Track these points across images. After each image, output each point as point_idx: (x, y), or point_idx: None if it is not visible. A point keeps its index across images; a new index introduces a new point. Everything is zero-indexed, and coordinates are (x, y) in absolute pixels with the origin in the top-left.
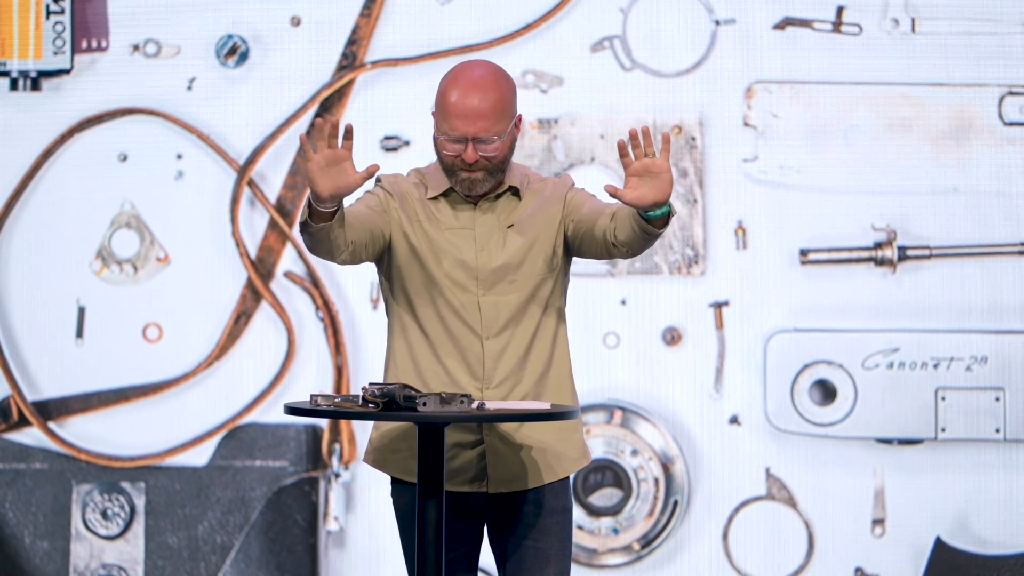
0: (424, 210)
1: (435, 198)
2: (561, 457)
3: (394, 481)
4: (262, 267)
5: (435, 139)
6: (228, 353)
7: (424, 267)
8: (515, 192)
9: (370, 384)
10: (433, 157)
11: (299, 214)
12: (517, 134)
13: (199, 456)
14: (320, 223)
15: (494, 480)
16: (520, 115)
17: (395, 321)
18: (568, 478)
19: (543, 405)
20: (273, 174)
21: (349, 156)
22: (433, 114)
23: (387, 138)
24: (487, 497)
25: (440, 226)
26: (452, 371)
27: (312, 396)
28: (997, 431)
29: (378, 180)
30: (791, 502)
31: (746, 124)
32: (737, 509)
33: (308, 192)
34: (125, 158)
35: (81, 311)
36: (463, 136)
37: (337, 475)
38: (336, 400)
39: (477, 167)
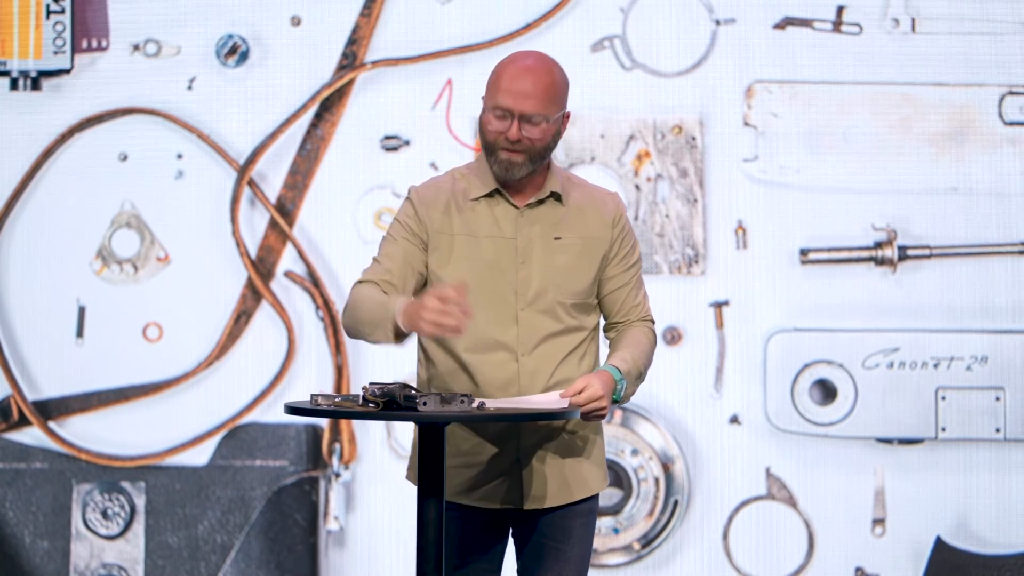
0: (461, 217)
1: (477, 199)
2: (592, 475)
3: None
4: (262, 267)
5: (480, 119)
6: (228, 353)
7: (458, 279)
8: (557, 198)
9: (370, 384)
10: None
11: (369, 327)
12: (563, 129)
13: (199, 456)
14: (395, 341)
15: (528, 497)
16: (568, 112)
17: None
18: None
19: (547, 404)
20: (273, 174)
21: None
22: (483, 98)
23: (387, 138)
24: (513, 512)
25: (479, 233)
26: (483, 385)
27: (312, 396)
28: (997, 431)
29: (410, 192)
30: (791, 502)
31: (746, 124)
32: (737, 509)
33: (400, 318)
34: (125, 158)
35: (81, 311)
36: (510, 111)
37: (337, 475)
38: (336, 400)
39: (519, 147)
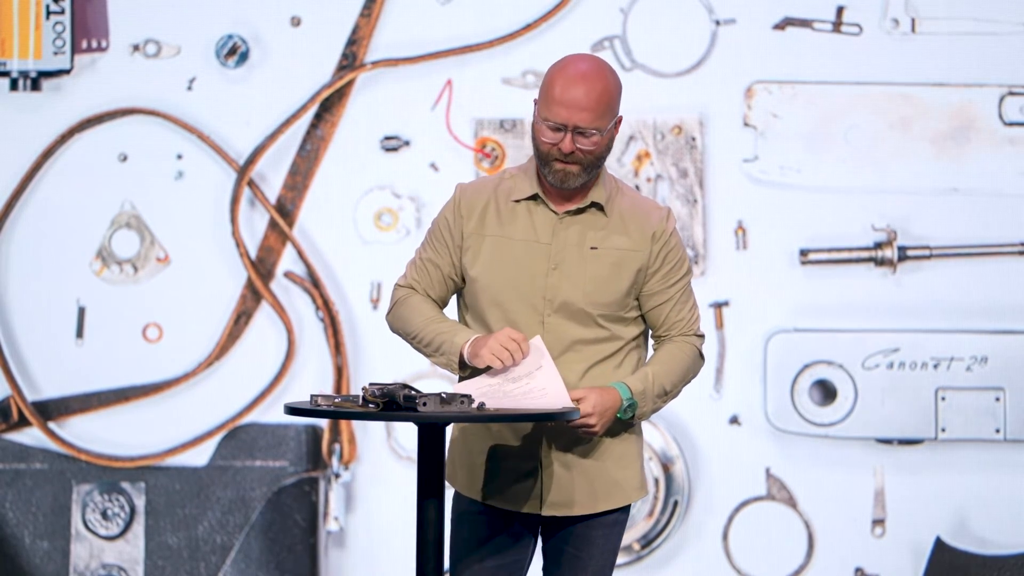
0: (499, 218)
1: (518, 201)
2: (619, 486)
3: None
4: (262, 267)
5: (533, 126)
6: (228, 353)
7: (490, 282)
8: (599, 208)
9: (370, 384)
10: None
11: (428, 348)
12: (615, 134)
13: (199, 456)
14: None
15: (548, 503)
16: (621, 116)
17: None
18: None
19: (554, 402)
20: (273, 174)
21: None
22: (535, 101)
23: (387, 138)
24: (540, 517)
25: (514, 236)
26: None
27: (312, 396)
28: (997, 431)
29: (456, 189)
30: (791, 502)
31: (746, 124)
32: (737, 509)
33: (467, 349)
34: (125, 158)
35: (81, 311)
36: (563, 124)
37: (337, 475)
38: (336, 400)
39: (573, 159)
